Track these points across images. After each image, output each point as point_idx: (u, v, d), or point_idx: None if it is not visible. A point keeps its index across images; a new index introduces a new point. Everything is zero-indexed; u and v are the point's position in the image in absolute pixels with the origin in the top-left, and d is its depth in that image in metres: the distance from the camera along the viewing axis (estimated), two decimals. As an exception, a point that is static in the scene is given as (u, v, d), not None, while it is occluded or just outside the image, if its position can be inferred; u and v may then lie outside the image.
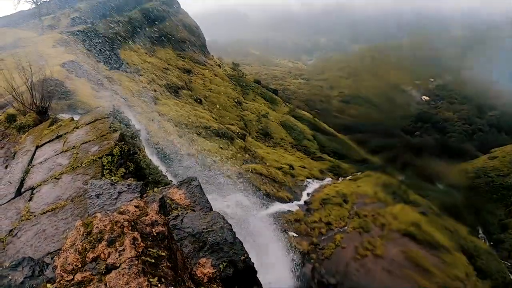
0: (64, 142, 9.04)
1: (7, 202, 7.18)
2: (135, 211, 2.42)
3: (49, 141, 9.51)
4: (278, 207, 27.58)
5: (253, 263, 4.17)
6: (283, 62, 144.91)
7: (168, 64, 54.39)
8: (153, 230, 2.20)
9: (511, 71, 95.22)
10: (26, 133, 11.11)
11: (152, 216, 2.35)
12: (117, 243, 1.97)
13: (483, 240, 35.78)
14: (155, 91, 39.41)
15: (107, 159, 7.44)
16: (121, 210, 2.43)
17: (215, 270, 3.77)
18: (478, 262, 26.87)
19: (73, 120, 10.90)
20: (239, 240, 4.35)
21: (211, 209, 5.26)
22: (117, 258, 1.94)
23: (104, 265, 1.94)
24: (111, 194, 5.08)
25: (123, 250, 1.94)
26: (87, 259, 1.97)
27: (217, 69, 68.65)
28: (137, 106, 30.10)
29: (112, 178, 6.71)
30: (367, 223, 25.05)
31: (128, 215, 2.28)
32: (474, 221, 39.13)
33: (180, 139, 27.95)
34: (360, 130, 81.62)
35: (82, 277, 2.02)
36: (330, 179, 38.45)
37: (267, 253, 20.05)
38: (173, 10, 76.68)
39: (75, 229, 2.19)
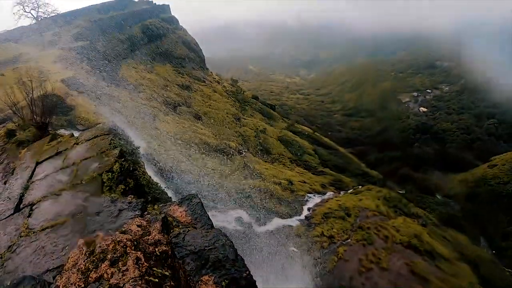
0: (64, 158, 9.02)
1: (5, 218, 7.11)
2: (138, 230, 2.39)
3: (49, 157, 9.48)
4: (277, 222, 27.37)
5: (255, 281, 4.12)
6: (280, 78, 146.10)
7: (167, 81, 54.74)
8: (156, 249, 2.17)
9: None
10: (26, 149, 11.07)
11: (155, 236, 2.32)
12: (120, 263, 1.94)
13: (486, 249, 35.52)
14: (154, 107, 39.56)
15: (107, 175, 7.41)
16: (124, 229, 2.39)
17: (218, 287, 3.72)
18: (481, 271, 26.62)
19: (73, 136, 10.90)
20: (241, 257, 4.30)
21: (212, 226, 5.21)
22: (120, 278, 1.90)
23: (108, 285, 1.90)
24: (112, 212, 5.05)
25: (127, 270, 1.90)
26: (90, 279, 1.94)
27: (216, 86, 69.08)
28: (136, 123, 30.18)
29: (112, 195, 6.67)
30: (370, 236, 24.86)
31: (131, 235, 2.25)
32: (475, 230, 38.84)
33: (179, 155, 27.93)
34: (361, 143, 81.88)
35: (84, 298, 1.99)
36: (332, 193, 38.30)
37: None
38: (172, 27, 77.66)
39: (77, 248, 2.16)
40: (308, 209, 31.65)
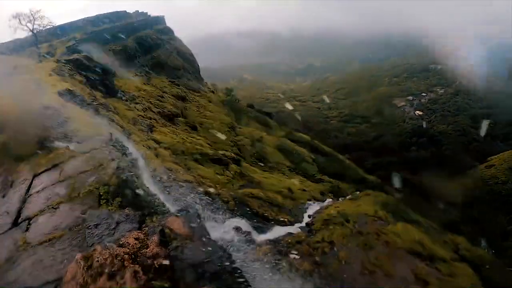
0: (61, 171, 8.98)
1: (3, 233, 7.06)
2: (135, 243, 2.38)
3: (45, 170, 9.44)
4: (278, 230, 27.21)
5: (252, 291, 4.11)
6: (276, 85, 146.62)
7: (163, 92, 54.86)
8: (155, 262, 2.17)
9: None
10: (23, 162, 11.05)
11: (153, 249, 2.32)
12: (118, 276, 1.94)
13: (486, 250, 35.45)
14: (150, 118, 39.57)
15: (104, 189, 7.38)
16: (121, 242, 2.39)
17: (217, 299, 3.71)
18: (483, 271, 26.51)
19: (69, 148, 10.87)
20: (238, 268, 4.30)
21: (210, 237, 5.20)
22: (118, 292, 1.91)
23: (106, 299, 1.91)
24: (109, 224, 5.03)
25: (125, 283, 1.90)
26: (88, 293, 1.94)
27: (211, 96, 69.23)
28: (133, 134, 30.12)
29: (109, 208, 6.65)
30: (370, 241, 24.71)
31: (128, 248, 2.24)
32: (475, 231, 38.79)
33: (176, 166, 27.86)
34: (358, 149, 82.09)
35: (83, 312, 1.98)
36: (331, 199, 38.20)
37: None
38: (167, 38, 78.00)
39: (75, 262, 2.16)
40: (309, 216, 31.55)
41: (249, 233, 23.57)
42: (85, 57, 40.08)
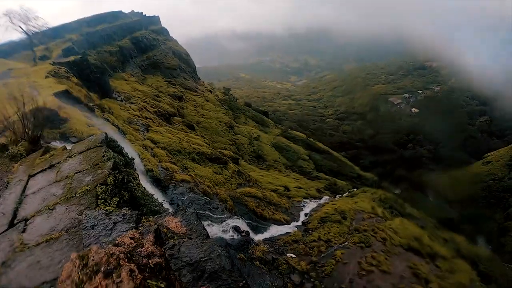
0: (57, 171, 8.94)
1: (0, 234, 7.03)
2: (131, 242, 2.37)
3: (41, 171, 9.38)
4: (275, 229, 27.30)
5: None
6: (272, 84, 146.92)
7: (159, 92, 54.76)
8: (150, 261, 2.16)
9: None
10: (19, 162, 10.98)
11: (148, 248, 2.30)
12: (114, 275, 1.93)
13: (484, 247, 35.70)
14: (146, 118, 39.50)
15: (101, 188, 7.34)
16: (117, 242, 2.38)
17: (215, 298, 3.70)
18: (480, 267, 26.72)
19: (66, 149, 10.82)
20: (237, 267, 4.28)
21: (208, 236, 5.18)
22: (115, 290, 1.91)
23: (102, 297, 1.91)
24: (106, 225, 5.01)
25: (121, 281, 1.90)
26: (84, 291, 1.94)
27: (208, 95, 69.19)
28: (129, 134, 30.08)
29: (107, 208, 6.62)
30: (367, 238, 24.79)
31: (124, 247, 2.23)
32: (472, 228, 39.03)
33: (174, 165, 27.84)
34: (354, 146, 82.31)
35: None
36: (328, 197, 38.35)
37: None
38: (163, 38, 77.92)
39: (70, 262, 2.15)
40: (305, 214, 31.63)
41: (247, 232, 23.63)
42: (81, 59, 39.92)
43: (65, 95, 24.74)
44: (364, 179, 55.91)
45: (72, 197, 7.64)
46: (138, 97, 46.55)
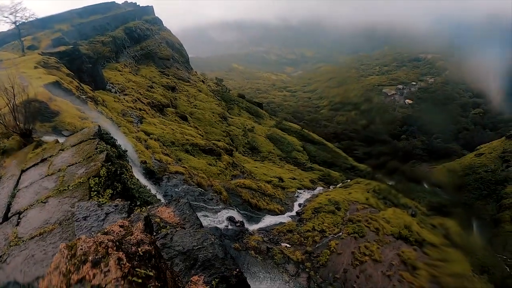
0: (50, 165, 8.88)
1: (-6, 227, 7.00)
2: (120, 231, 2.37)
3: (34, 165, 9.32)
4: (269, 220, 27.44)
5: (245, 277, 4.11)
6: (266, 75, 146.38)
7: (153, 82, 54.37)
8: (139, 249, 2.16)
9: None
10: (11, 157, 10.88)
11: (137, 236, 2.30)
12: (102, 264, 1.92)
13: (477, 235, 36.17)
14: (140, 110, 39.23)
15: (94, 180, 7.32)
16: (106, 230, 2.37)
17: (208, 287, 3.70)
18: (473, 257, 27.10)
19: (58, 142, 10.72)
20: (231, 255, 4.29)
21: (201, 225, 5.19)
22: (102, 279, 1.89)
23: (89, 286, 1.89)
24: (98, 216, 5.00)
25: (108, 271, 1.89)
26: (72, 281, 1.92)
27: (201, 85, 68.85)
28: (123, 126, 29.88)
29: (100, 199, 6.61)
30: (361, 228, 25.07)
31: (113, 235, 2.23)
32: (466, 218, 39.46)
33: (167, 157, 27.76)
34: (348, 137, 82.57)
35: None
36: (322, 188, 38.57)
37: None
38: (156, 28, 77.16)
39: (59, 252, 2.14)
40: (299, 205, 31.81)
41: (242, 222, 23.76)
42: (72, 49, 39.34)
43: (56, 86, 24.37)
44: (357, 170, 56.22)
45: (65, 190, 7.60)
46: (132, 88, 46.18)
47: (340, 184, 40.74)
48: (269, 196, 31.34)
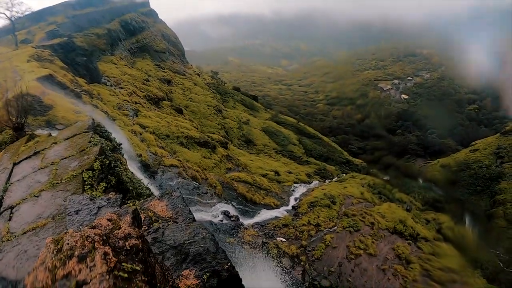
0: (42, 158, 8.80)
1: (-14, 223, 6.93)
2: (108, 224, 2.35)
3: (26, 158, 9.23)
4: (265, 214, 27.49)
5: (237, 272, 4.12)
6: (262, 68, 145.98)
7: (148, 75, 54.05)
8: (126, 243, 2.14)
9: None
10: (3, 150, 10.79)
11: (125, 229, 2.28)
12: (88, 258, 1.91)
13: (470, 230, 36.47)
14: (136, 103, 39.03)
15: (87, 174, 7.26)
16: (94, 224, 2.36)
17: (199, 281, 3.70)
18: (467, 252, 27.34)
19: (51, 135, 10.64)
20: (222, 249, 4.29)
21: (193, 220, 5.17)
22: (88, 274, 1.88)
23: (75, 282, 1.88)
24: (91, 210, 4.97)
25: (94, 265, 1.88)
26: (57, 276, 1.91)
27: (196, 78, 68.58)
28: (118, 119, 29.73)
29: (94, 193, 6.56)
30: (356, 223, 25.20)
31: (100, 229, 2.21)
32: (459, 213, 39.74)
33: (162, 150, 27.68)
34: (344, 131, 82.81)
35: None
36: (317, 182, 38.64)
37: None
38: (151, 20, 76.51)
39: (45, 247, 2.12)
40: (295, 199, 31.88)
41: (237, 217, 23.80)
42: (66, 41, 38.90)
43: (49, 80, 24.11)
44: (353, 164, 56.43)
45: (58, 183, 7.53)
46: (128, 82, 45.88)
47: (335, 178, 40.85)
48: (265, 190, 31.38)
